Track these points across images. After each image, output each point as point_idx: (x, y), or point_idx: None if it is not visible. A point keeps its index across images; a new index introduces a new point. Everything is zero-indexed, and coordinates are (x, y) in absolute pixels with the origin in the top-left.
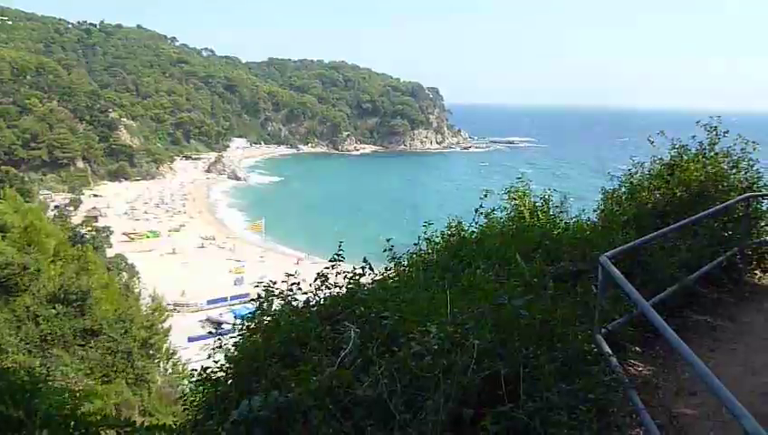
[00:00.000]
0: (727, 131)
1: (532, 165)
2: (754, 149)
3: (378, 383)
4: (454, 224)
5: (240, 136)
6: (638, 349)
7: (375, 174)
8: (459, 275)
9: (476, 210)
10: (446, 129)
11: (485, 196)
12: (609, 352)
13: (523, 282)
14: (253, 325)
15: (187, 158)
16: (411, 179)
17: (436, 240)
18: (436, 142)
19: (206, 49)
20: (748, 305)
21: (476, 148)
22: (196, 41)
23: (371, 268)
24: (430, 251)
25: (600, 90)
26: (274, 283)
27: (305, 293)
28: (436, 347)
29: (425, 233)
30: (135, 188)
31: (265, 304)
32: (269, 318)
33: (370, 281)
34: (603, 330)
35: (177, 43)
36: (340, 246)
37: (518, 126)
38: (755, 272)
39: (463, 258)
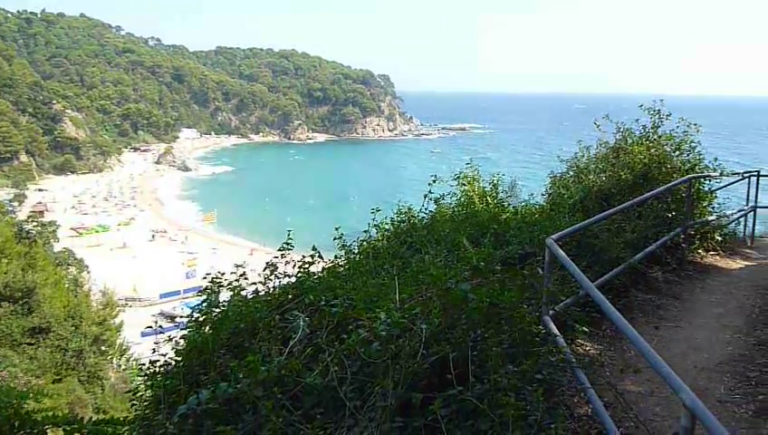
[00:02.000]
0: (670, 114)
1: (484, 150)
2: (697, 132)
3: (327, 371)
4: (403, 211)
5: (190, 126)
6: (585, 329)
7: (328, 163)
8: (409, 261)
9: (425, 196)
10: (398, 116)
11: (434, 182)
12: (557, 332)
13: (471, 266)
14: (201, 318)
15: (136, 149)
16: (364, 168)
17: (387, 227)
18: (389, 130)
19: (152, 38)
20: (691, 284)
21: (429, 135)
22: (142, 30)
23: (321, 257)
24: (381, 238)
25: (552, 76)
26: (223, 274)
27: (254, 283)
28: (383, 333)
29: (374, 220)
30: (82, 181)
31: (213, 296)
32: (217, 310)
33: (321, 269)
34: (551, 311)
35: (122, 33)
36: (288, 235)
37: (470, 113)
38: (698, 251)
39: (413, 244)
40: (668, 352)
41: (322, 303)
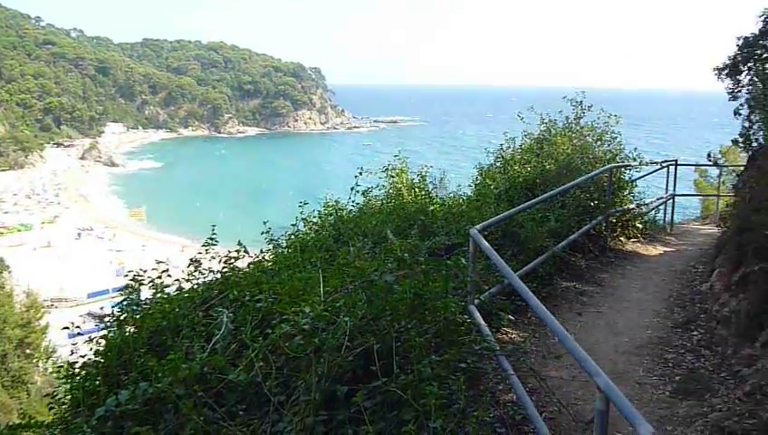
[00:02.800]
0: (591, 106)
1: (415, 142)
2: (617, 123)
3: (252, 367)
4: (331, 204)
5: (116, 121)
6: (510, 317)
7: (259, 156)
8: (336, 254)
9: (352, 189)
10: (329, 109)
11: (361, 174)
12: (482, 321)
13: (396, 257)
14: (123, 316)
15: (59, 145)
16: (296, 161)
17: (315, 220)
18: (321, 123)
19: (74, 29)
20: (613, 270)
21: (361, 128)
22: (63, 21)
23: (246, 252)
24: (309, 232)
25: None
26: (145, 271)
27: (178, 280)
28: (306, 327)
29: (301, 213)
30: (2, 178)
31: (134, 294)
32: (139, 308)
33: (247, 265)
34: (476, 301)
35: (42, 23)
36: (213, 231)
37: (402, 106)
38: (620, 238)
39: (341, 237)
40: (591, 337)
41: (247, 298)
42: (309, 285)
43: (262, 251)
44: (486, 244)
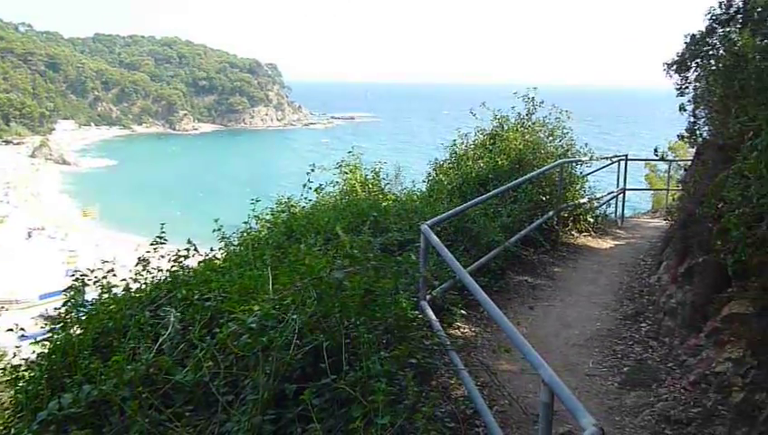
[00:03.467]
0: (542, 102)
1: (370, 139)
2: (569, 118)
3: (200, 367)
4: (284, 201)
5: (67, 118)
6: (463, 312)
7: (215, 154)
8: (288, 251)
9: (305, 186)
10: (286, 105)
11: (312, 171)
12: (433, 317)
13: (346, 254)
14: (67, 318)
15: (8, 143)
16: (252, 158)
17: (267, 218)
18: (277, 120)
19: (23, 23)
20: (565, 264)
21: (318, 124)
22: (10, 15)
23: (197, 250)
24: (261, 229)
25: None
26: (92, 271)
27: (124, 279)
28: (253, 326)
29: (253, 211)
30: None
31: (79, 295)
32: (84, 309)
33: (197, 263)
34: (428, 296)
35: None
36: (162, 229)
37: (358, 102)
38: (572, 232)
39: (293, 234)
40: (542, 331)
41: (196, 297)
42: (259, 284)
43: (212, 249)
44: (436, 239)
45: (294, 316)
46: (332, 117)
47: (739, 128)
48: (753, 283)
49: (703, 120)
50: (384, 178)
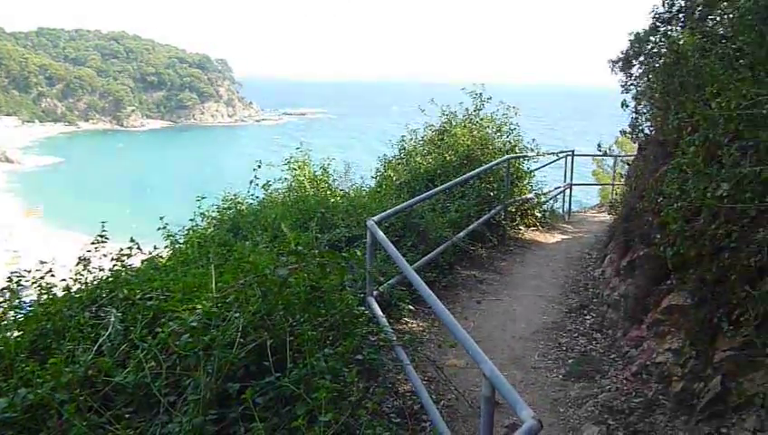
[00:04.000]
0: (490, 98)
1: (321, 134)
2: (516, 114)
3: (141, 368)
4: (230, 197)
5: (9, 114)
6: (411, 307)
7: (164, 151)
8: (234, 248)
9: (251, 182)
10: (237, 101)
11: (259, 167)
12: (380, 313)
13: (290, 251)
14: (4, 320)
15: None
16: (201, 155)
17: (215, 215)
18: (228, 116)
19: None
20: (512, 258)
21: (269, 120)
22: None
23: (140, 248)
24: (208, 226)
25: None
26: (29, 271)
27: (64, 279)
28: (194, 324)
29: (199, 208)
30: None
31: (14, 296)
32: (22, 311)
33: (141, 261)
34: (375, 292)
35: None
36: (103, 227)
37: (312, 98)
38: (519, 227)
39: (239, 231)
40: (489, 324)
41: (138, 296)
42: (203, 282)
43: (155, 247)
44: (382, 235)
45: (237, 314)
46: (284, 113)
47: (678, 124)
48: (692, 275)
49: (645, 116)
50: (333, 175)
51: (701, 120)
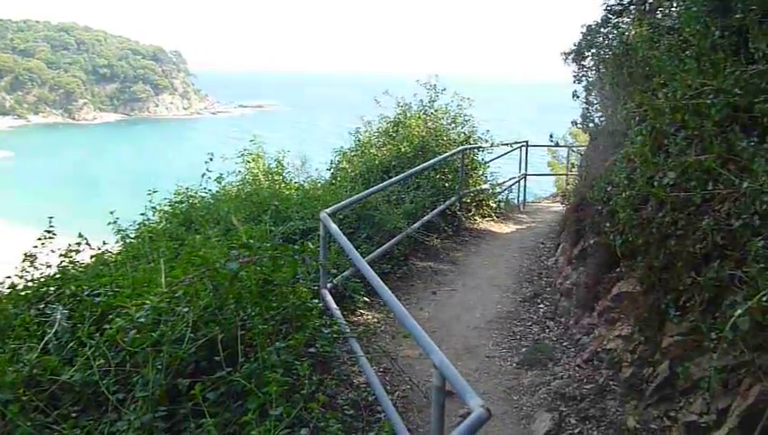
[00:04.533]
0: (444, 89)
1: (278, 127)
2: (470, 105)
3: (89, 365)
4: (182, 191)
5: None
6: (366, 299)
7: (118, 144)
8: (186, 242)
9: (203, 175)
10: (192, 94)
11: (211, 159)
12: (334, 305)
13: (241, 244)
14: None
15: None
16: (155, 148)
17: (166, 209)
18: (183, 108)
19: None
20: (467, 249)
21: (225, 113)
22: None
23: (88, 243)
24: (160, 221)
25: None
26: None
27: (9, 277)
28: (142, 320)
29: (150, 202)
30: None
31: None
32: None
33: (90, 257)
34: (329, 284)
35: None
36: (50, 223)
37: (268, 90)
38: (475, 218)
39: (192, 225)
40: (444, 315)
41: (86, 293)
42: (153, 277)
43: (104, 243)
44: (335, 227)
45: (186, 309)
46: (240, 105)
47: (626, 114)
48: (640, 262)
49: (595, 106)
50: (288, 167)
51: (648, 110)
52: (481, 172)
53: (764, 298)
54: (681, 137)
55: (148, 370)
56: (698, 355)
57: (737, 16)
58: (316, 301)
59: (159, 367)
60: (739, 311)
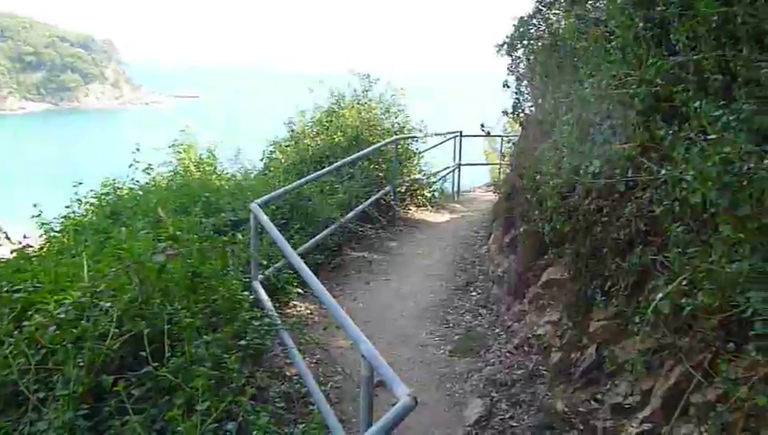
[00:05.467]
0: (378, 79)
1: (213, 118)
2: (403, 96)
3: (7, 364)
4: (109, 182)
5: None
6: (299, 290)
7: (45, 135)
8: (112, 236)
9: (130, 166)
10: (124, 83)
11: (138, 150)
12: (265, 297)
13: (169, 236)
14: None
15: None
16: (85, 139)
17: (93, 201)
18: (115, 98)
19: None
20: (401, 238)
21: (159, 103)
22: None
23: (8, 238)
24: (87, 214)
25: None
26: None
27: None
28: (63, 316)
29: (76, 194)
30: None
31: None
32: None
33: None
34: (260, 276)
35: None
36: None
37: (203, 81)
38: (409, 208)
39: (119, 218)
40: (378, 305)
41: (5, 289)
42: (77, 271)
43: (25, 236)
44: (265, 217)
45: (108, 304)
46: (175, 96)
47: (554, 103)
48: (567, 249)
49: (525, 96)
50: (221, 158)
51: (575, 100)
52: (415, 162)
53: (684, 282)
54: (606, 126)
55: (69, 367)
56: (623, 339)
57: (659, 9)
58: (247, 293)
59: (82, 364)
60: (660, 295)
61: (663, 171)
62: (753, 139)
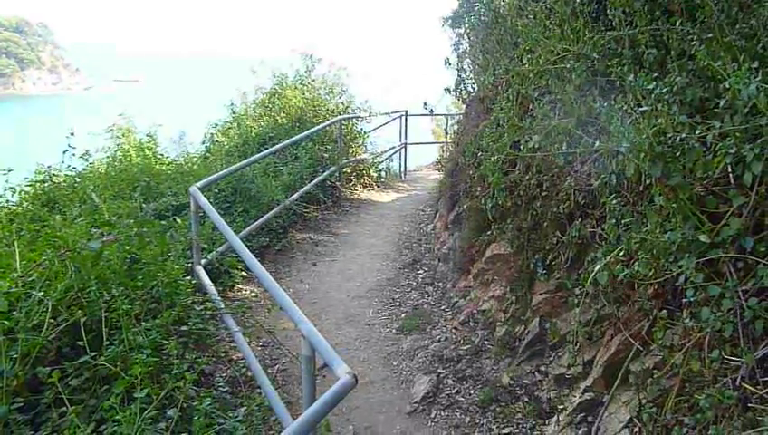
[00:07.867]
0: (321, 59)
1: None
2: (347, 76)
3: None
4: (44, 170)
5: None
6: (244, 274)
7: None
8: (48, 223)
9: (65, 152)
10: (62, 69)
11: (72, 134)
12: (208, 281)
13: (104, 222)
14: None
15: None
16: (21, 126)
17: (27, 189)
18: (52, 83)
19: None
20: (347, 219)
21: (98, 88)
22: None
23: None
24: (21, 202)
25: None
26: None
27: None
28: None
29: (7, 182)
30: None
31: None
32: None
33: None
34: (203, 260)
35: None
36: None
37: (145, 67)
38: (355, 188)
39: (56, 205)
40: (325, 285)
41: None
42: (8, 261)
43: None
44: (204, 200)
45: (40, 294)
46: (116, 80)
47: (494, 80)
48: (509, 224)
49: (468, 73)
50: (162, 143)
51: (514, 76)
52: (361, 142)
53: (621, 253)
54: (545, 101)
55: (1, 360)
56: (565, 311)
57: None
58: (189, 278)
59: (15, 356)
60: (598, 266)
61: (598, 144)
62: (685, 110)
